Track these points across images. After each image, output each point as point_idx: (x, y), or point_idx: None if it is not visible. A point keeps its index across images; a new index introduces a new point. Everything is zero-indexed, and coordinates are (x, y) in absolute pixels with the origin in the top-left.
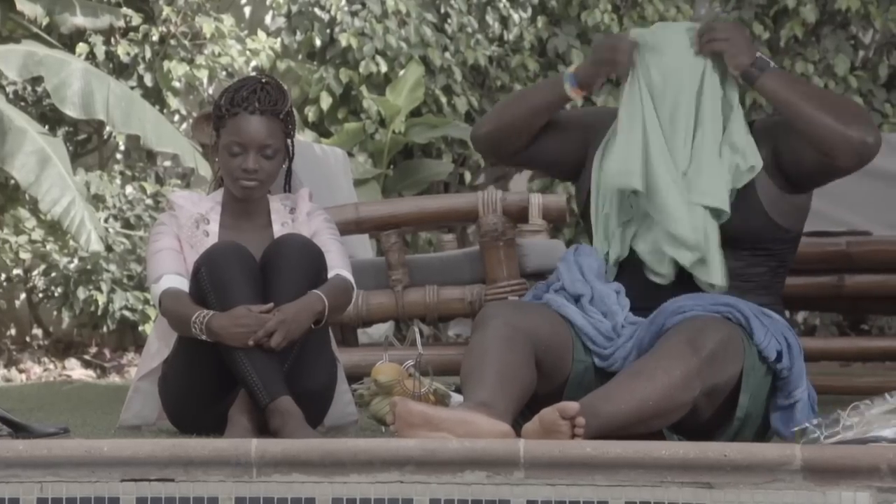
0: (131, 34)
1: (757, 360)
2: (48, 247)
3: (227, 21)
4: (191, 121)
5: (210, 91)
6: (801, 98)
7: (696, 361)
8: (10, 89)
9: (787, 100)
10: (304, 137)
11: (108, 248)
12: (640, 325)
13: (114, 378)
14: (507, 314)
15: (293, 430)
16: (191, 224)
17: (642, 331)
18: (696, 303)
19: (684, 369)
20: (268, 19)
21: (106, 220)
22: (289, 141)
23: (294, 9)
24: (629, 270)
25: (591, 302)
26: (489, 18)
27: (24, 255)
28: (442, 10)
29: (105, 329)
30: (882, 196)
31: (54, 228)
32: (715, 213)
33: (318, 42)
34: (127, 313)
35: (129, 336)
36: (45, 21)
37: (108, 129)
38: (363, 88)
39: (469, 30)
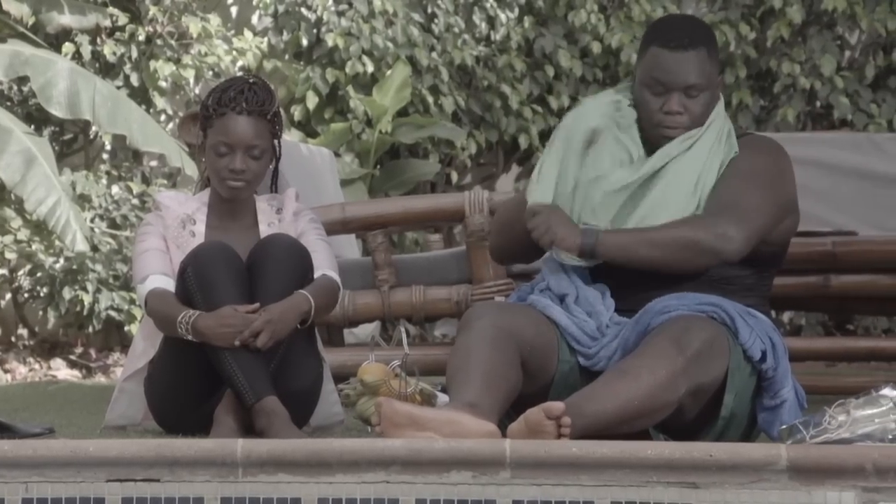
0: (118, 34)
1: (742, 359)
2: (34, 247)
3: (214, 21)
4: (177, 120)
5: (196, 91)
6: (641, 258)
7: (682, 361)
8: None
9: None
10: (290, 137)
11: (94, 248)
12: (626, 324)
13: (99, 378)
14: (492, 315)
15: (279, 430)
16: (177, 224)
17: (627, 330)
18: (681, 302)
19: (669, 369)
20: (254, 19)
21: (92, 220)
22: (276, 141)
23: (281, 8)
24: (614, 271)
25: (576, 302)
26: (476, 18)
27: (10, 255)
28: (429, 10)
29: (91, 329)
30: (868, 196)
31: (40, 228)
32: None
33: (304, 42)
34: (113, 313)
35: (114, 336)
36: (31, 20)
37: (94, 128)
38: (350, 88)
39: (456, 30)
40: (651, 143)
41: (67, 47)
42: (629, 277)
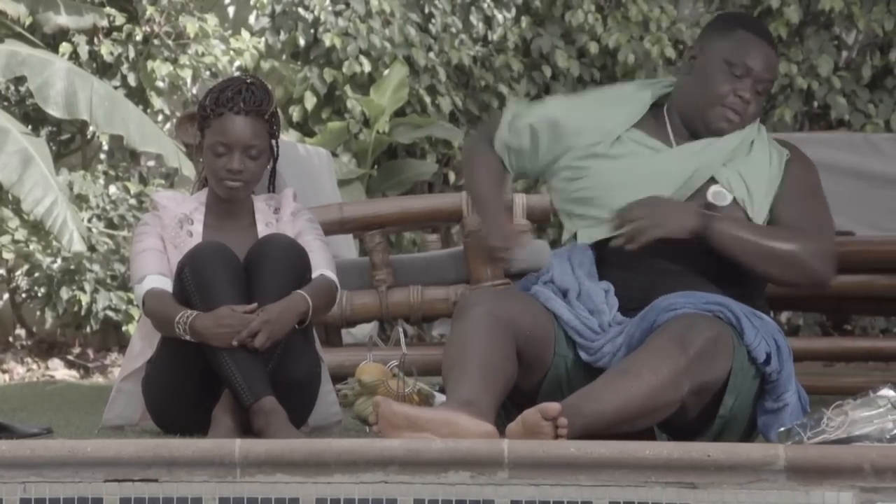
0: (115, 34)
1: (746, 360)
2: (31, 247)
3: (211, 21)
4: (174, 120)
5: (194, 91)
6: (749, 258)
7: (685, 360)
8: None
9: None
10: (287, 137)
11: (92, 249)
12: (629, 322)
13: (97, 378)
14: (489, 302)
15: (277, 430)
16: (174, 224)
17: (633, 327)
18: (687, 300)
19: (672, 368)
20: (252, 19)
21: (89, 220)
22: (273, 141)
23: (278, 8)
24: (619, 269)
25: (578, 298)
26: (473, 18)
27: (7, 256)
28: (426, 10)
29: (88, 329)
30: (865, 196)
31: (37, 228)
32: None
33: (301, 42)
34: (110, 313)
35: (112, 336)
36: (28, 20)
37: (91, 128)
38: (347, 88)
39: (453, 30)
40: (693, 125)
41: (64, 47)
42: (635, 277)
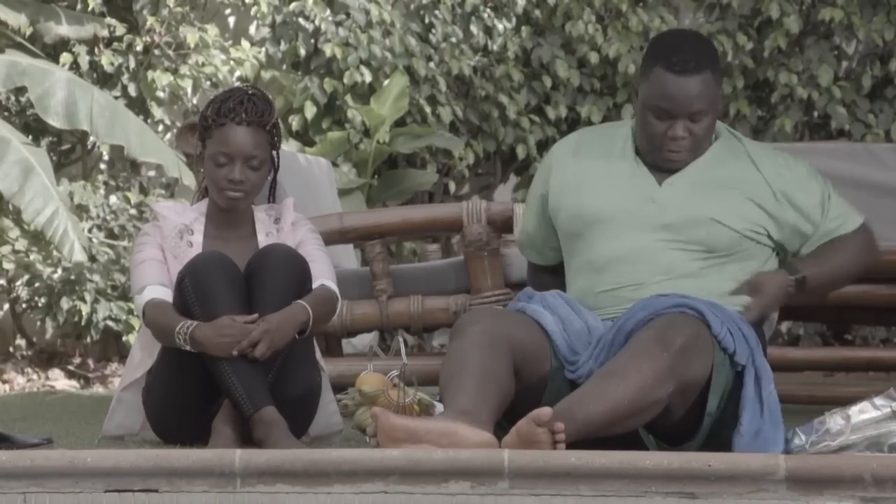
0: (115, 44)
1: (723, 355)
2: (32, 257)
3: (212, 31)
4: (175, 131)
5: (194, 101)
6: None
7: (667, 357)
8: None
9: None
10: (287, 147)
11: (92, 259)
12: (605, 334)
13: (97, 388)
14: (486, 321)
15: (277, 440)
16: (175, 235)
17: (610, 334)
18: (657, 302)
19: (655, 366)
20: (252, 29)
21: (90, 231)
22: (274, 152)
23: (278, 19)
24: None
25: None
26: (473, 28)
27: (8, 266)
28: (426, 21)
29: (89, 339)
30: (865, 206)
31: (38, 238)
32: None
33: (302, 52)
34: (111, 323)
35: (112, 346)
36: (28, 31)
37: (91, 139)
38: (347, 98)
39: (453, 40)
40: (647, 159)
41: (65, 57)
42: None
